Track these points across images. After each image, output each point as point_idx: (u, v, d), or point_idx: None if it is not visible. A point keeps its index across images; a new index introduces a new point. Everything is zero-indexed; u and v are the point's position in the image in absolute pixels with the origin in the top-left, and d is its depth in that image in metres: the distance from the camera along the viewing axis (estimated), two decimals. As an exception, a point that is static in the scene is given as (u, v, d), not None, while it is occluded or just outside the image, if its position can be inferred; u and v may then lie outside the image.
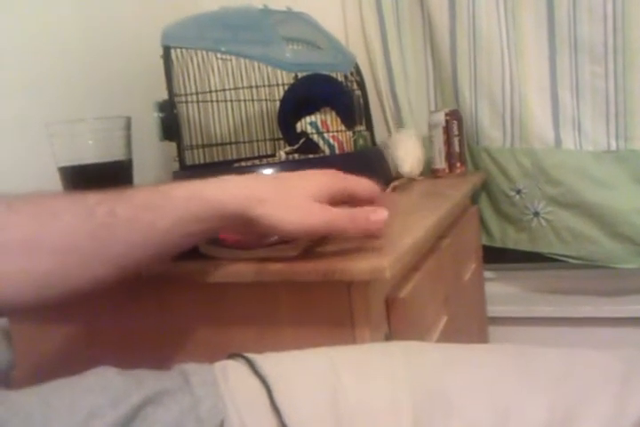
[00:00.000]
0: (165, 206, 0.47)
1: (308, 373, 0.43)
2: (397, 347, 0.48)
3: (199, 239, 0.52)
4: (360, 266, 0.56)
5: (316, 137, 1.06)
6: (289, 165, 0.98)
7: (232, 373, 0.42)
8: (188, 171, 1.00)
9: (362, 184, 0.56)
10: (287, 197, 0.51)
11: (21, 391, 0.36)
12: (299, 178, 0.54)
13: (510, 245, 1.33)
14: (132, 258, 0.46)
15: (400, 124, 1.35)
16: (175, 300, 0.64)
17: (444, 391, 0.41)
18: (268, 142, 1.21)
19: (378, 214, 0.54)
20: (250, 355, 0.44)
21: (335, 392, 0.40)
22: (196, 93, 1.05)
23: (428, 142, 1.25)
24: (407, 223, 0.74)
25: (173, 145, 0.98)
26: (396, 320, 0.64)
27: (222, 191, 0.50)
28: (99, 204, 0.46)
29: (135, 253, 0.46)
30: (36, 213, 0.44)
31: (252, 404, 0.39)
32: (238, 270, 0.59)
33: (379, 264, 0.55)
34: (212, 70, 1.06)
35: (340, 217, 0.52)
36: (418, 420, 0.39)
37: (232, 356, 0.45)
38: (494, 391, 0.40)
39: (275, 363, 0.43)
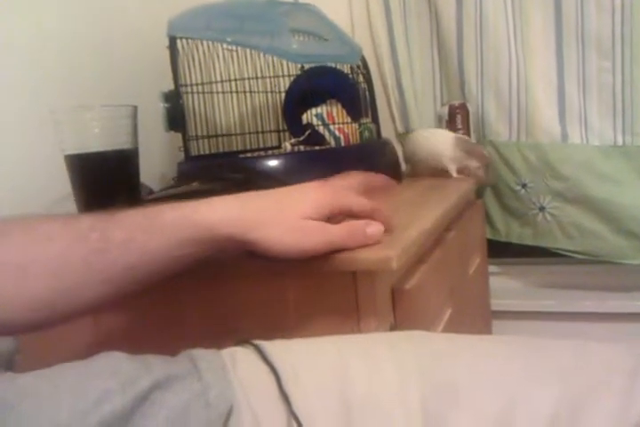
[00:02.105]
0: (155, 232, 0.46)
1: (316, 361, 0.42)
2: (405, 337, 0.48)
3: (196, 261, 0.50)
4: (367, 256, 0.56)
5: (321, 129, 1.05)
6: (295, 157, 0.97)
7: (240, 359, 0.42)
8: (193, 161, 0.99)
9: (358, 202, 0.54)
10: (283, 219, 0.50)
11: (29, 374, 0.36)
12: (293, 196, 0.53)
13: (515, 239, 1.32)
14: (126, 281, 0.46)
15: (406, 116, 1.35)
16: (181, 290, 0.63)
17: (451, 382, 0.40)
18: (273, 134, 1.20)
19: (374, 228, 0.54)
20: (258, 341, 0.44)
21: (343, 381, 0.40)
22: (202, 84, 1.04)
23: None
24: (413, 215, 0.74)
25: (179, 135, 0.98)
26: (402, 311, 0.64)
27: (213, 214, 0.48)
28: (91, 228, 0.46)
29: (129, 276, 0.46)
30: (29, 237, 0.44)
31: (261, 391, 0.39)
32: (245, 260, 0.59)
33: (385, 255, 0.55)
34: (218, 61, 1.05)
35: (338, 235, 0.52)
36: (426, 410, 0.39)
37: (240, 342, 0.45)
38: (502, 383, 0.40)
39: (283, 350, 0.43)
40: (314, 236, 0.50)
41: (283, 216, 0.50)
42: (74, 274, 0.44)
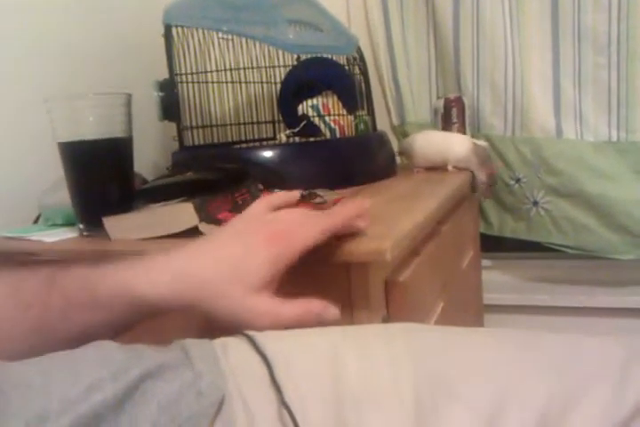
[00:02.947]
0: (94, 308, 0.46)
1: (308, 351, 0.42)
2: (398, 328, 0.48)
3: (143, 321, 0.49)
4: (361, 248, 0.56)
5: (317, 120, 1.05)
6: (290, 148, 0.97)
7: (232, 348, 0.42)
8: (188, 151, 0.99)
9: (320, 230, 0.51)
10: (231, 295, 0.47)
11: (21, 362, 0.35)
12: (245, 261, 0.48)
13: (508, 233, 1.33)
14: (81, 338, 0.44)
15: (401, 109, 1.35)
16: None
17: (445, 374, 0.40)
18: (268, 125, 1.20)
19: (330, 312, 0.50)
20: (250, 332, 0.44)
21: (336, 372, 0.40)
22: (197, 73, 1.04)
23: (431, 128, 1.25)
24: (407, 208, 0.73)
25: (173, 125, 0.97)
26: (395, 304, 0.64)
27: (153, 289, 0.46)
28: (34, 296, 0.46)
29: (79, 335, 0.46)
30: None
31: (253, 380, 0.39)
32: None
33: (379, 246, 0.55)
34: (213, 50, 1.05)
35: (289, 320, 0.48)
36: (419, 402, 0.39)
37: (235, 334, 0.45)
38: (495, 375, 0.40)
39: (275, 340, 0.43)
40: (262, 320, 0.47)
41: (231, 291, 0.47)
42: (26, 340, 0.46)
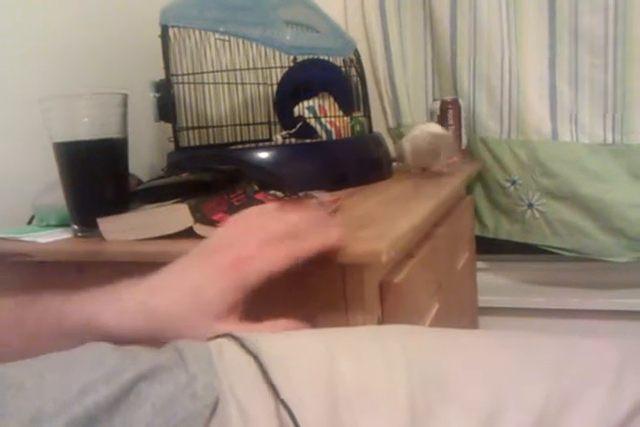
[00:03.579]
0: (60, 338, 0.47)
1: (303, 353, 0.42)
2: (393, 330, 0.48)
3: None
4: (356, 249, 0.56)
5: (313, 122, 1.05)
6: (285, 149, 0.97)
7: (226, 350, 0.42)
8: (183, 152, 0.99)
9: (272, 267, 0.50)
10: (195, 326, 0.47)
11: (15, 364, 0.35)
12: (205, 290, 0.48)
13: (503, 235, 1.33)
14: None
15: (397, 111, 1.35)
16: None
17: (440, 375, 0.40)
18: (264, 126, 1.20)
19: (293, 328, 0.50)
20: (241, 334, 0.44)
21: (330, 373, 0.40)
22: (193, 74, 1.04)
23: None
24: (403, 209, 0.74)
25: (168, 126, 0.97)
26: (390, 305, 0.64)
27: (117, 322, 0.47)
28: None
29: None
30: None
31: (247, 381, 0.39)
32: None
33: (375, 248, 0.55)
34: (210, 51, 1.05)
35: None
36: (414, 403, 0.38)
37: (224, 335, 0.45)
38: (491, 377, 0.40)
39: (268, 342, 0.43)
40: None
41: (195, 322, 0.47)
42: None
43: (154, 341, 0.46)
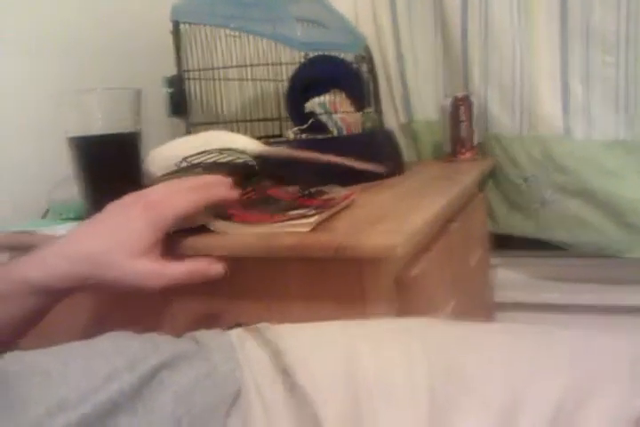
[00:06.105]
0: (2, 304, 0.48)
1: (323, 345, 0.42)
2: (413, 322, 0.48)
3: (50, 307, 0.52)
4: (372, 243, 0.55)
5: (324, 117, 1.05)
6: (297, 145, 0.96)
7: (248, 340, 0.42)
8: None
9: (190, 201, 0.55)
10: (115, 264, 0.50)
11: (39, 351, 0.36)
12: (121, 230, 0.52)
13: (517, 232, 1.32)
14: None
15: (408, 107, 1.34)
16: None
17: (459, 368, 0.40)
18: (275, 122, 1.20)
19: (214, 268, 0.54)
20: (264, 324, 0.43)
21: (350, 364, 0.40)
22: (205, 70, 1.03)
23: (439, 127, 1.25)
24: (417, 204, 0.73)
25: (181, 121, 0.97)
26: (406, 299, 0.64)
27: (46, 272, 0.49)
28: None
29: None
30: None
31: (268, 371, 0.39)
32: (249, 245, 0.59)
33: (391, 242, 0.55)
34: (221, 47, 1.04)
35: (176, 278, 0.52)
36: (434, 396, 0.38)
37: (244, 326, 0.45)
38: (509, 370, 0.40)
39: (289, 333, 0.43)
40: (149, 281, 0.50)
41: (116, 259, 0.50)
42: None
43: (84, 283, 0.49)
